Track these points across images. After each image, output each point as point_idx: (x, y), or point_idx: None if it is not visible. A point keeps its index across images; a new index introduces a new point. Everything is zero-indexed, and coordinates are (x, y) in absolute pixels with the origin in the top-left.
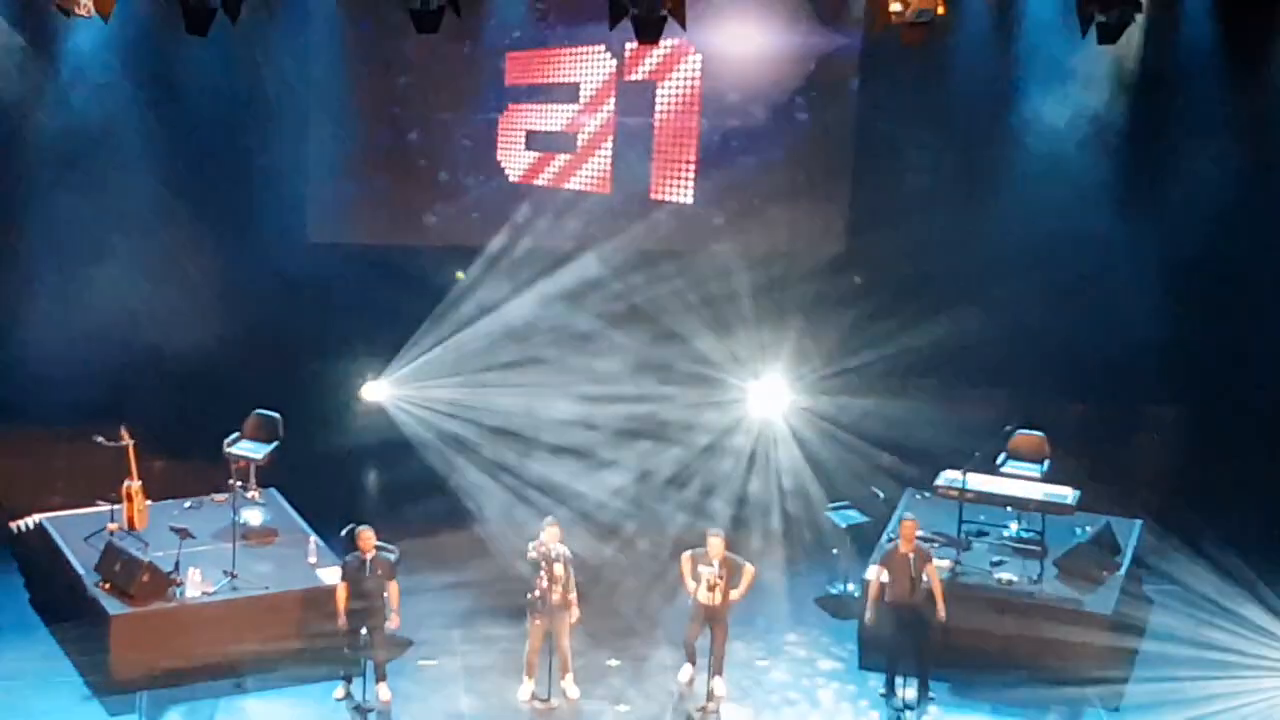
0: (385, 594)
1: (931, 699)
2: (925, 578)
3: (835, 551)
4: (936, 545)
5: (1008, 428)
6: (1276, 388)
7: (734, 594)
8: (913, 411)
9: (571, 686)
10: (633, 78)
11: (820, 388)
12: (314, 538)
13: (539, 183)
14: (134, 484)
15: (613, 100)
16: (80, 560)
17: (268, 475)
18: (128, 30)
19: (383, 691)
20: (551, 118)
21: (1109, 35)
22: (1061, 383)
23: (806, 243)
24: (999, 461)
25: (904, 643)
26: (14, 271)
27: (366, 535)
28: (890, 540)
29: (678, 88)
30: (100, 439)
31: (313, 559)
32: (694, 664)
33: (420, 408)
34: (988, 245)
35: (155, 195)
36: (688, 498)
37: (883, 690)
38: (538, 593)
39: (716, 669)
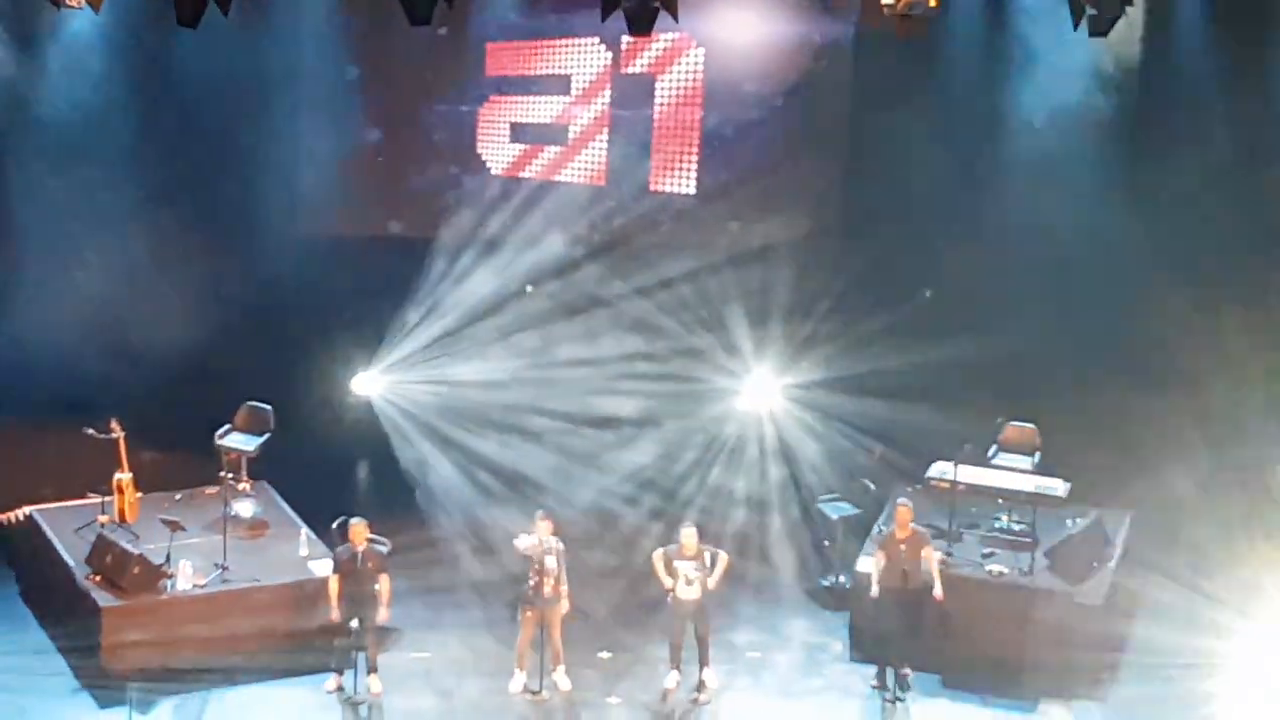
0: (377, 586)
1: (909, 688)
2: (923, 562)
3: (826, 544)
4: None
5: (999, 419)
6: (1265, 383)
7: (710, 582)
8: (904, 404)
9: (563, 678)
10: (631, 70)
11: (812, 380)
12: (305, 530)
13: (526, 175)
14: (124, 476)
15: (608, 92)
16: (71, 553)
17: (259, 467)
18: (118, 21)
19: (374, 683)
20: (539, 110)
21: (1100, 28)
22: (1053, 374)
23: (802, 234)
24: (990, 453)
25: (897, 630)
26: (3, 263)
27: (358, 528)
28: (883, 528)
29: (679, 81)
30: (90, 431)
31: (304, 551)
32: (679, 669)
33: (409, 399)
34: (982, 237)
35: (144, 187)
36: (678, 489)
37: (874, 681)
38: (530, 585)
39: (705, 660)
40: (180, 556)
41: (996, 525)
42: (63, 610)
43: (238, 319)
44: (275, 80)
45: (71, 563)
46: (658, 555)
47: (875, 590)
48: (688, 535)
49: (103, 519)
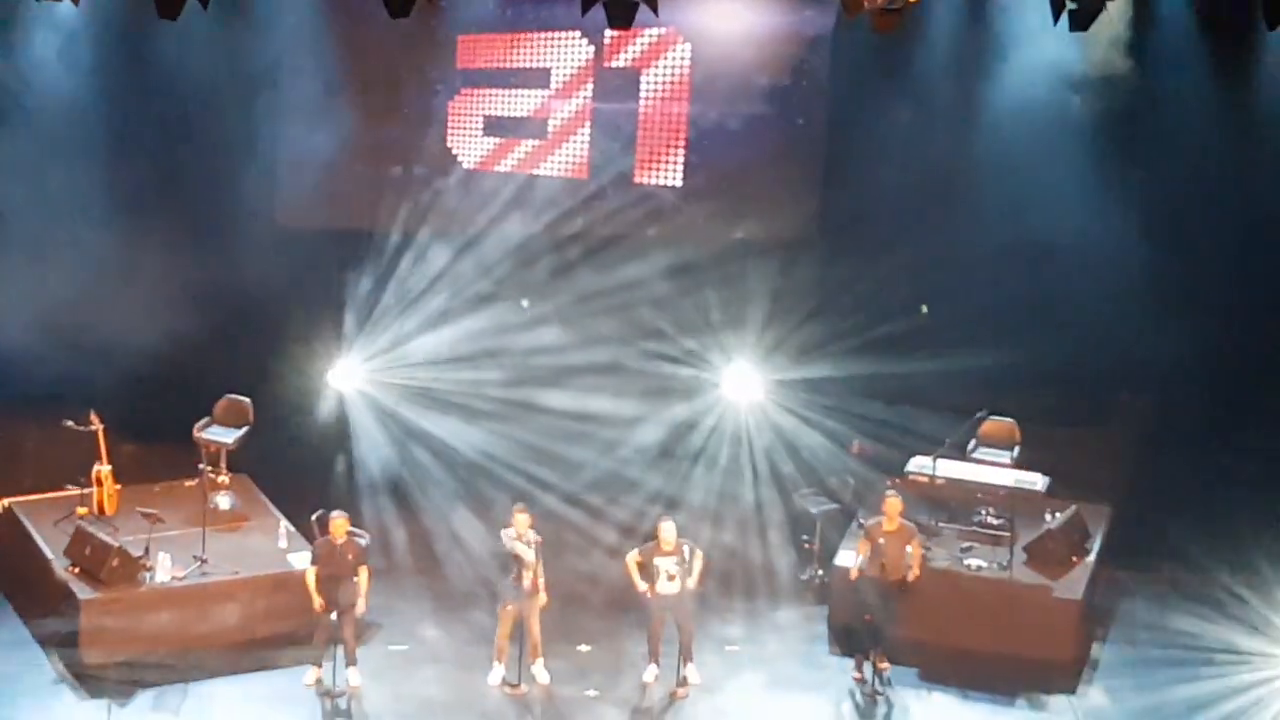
0: (356, 579)
1: (888, 682)
2: (907, 556)
3: (805, 539)
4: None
5: (978, 414)
6: (1244, 378)
7: (689, 582)
8: (883, 398)
9: (542, 671)
10: (614, 64)
11: (793, 373)
12: (284, 522)
13: (501, 169)
14: (104, 468)
15: (590, 86)
16: (50, 545)
17: (238, 460)
18: (97, 13)
19: (353, 676)
20: (516, 103)
21: (1080, 22)
22: (1032, 369)
23: (784, 229)
24: (969, 448)
25: (873, 621)
26: None
27: (338, 520)
28: (869, 520)
29: (665, 75)
30: (69, 423)
31: (283, 544)
32: (659, 664)
33: (386, 391)
34: (961, 232)
35: (121, 179)
36: (659, 483)
37: (855, 674)
38: (508, 578)
39: (686, 656)
40: (159, 549)
41: (975, 520)
42: (41, 602)
43: (216, 311)
44: (253, 73)
45: (50, 555)
46: (631, 556)
47: (854, 575)
48: (666, 530)
49: (82, 511)
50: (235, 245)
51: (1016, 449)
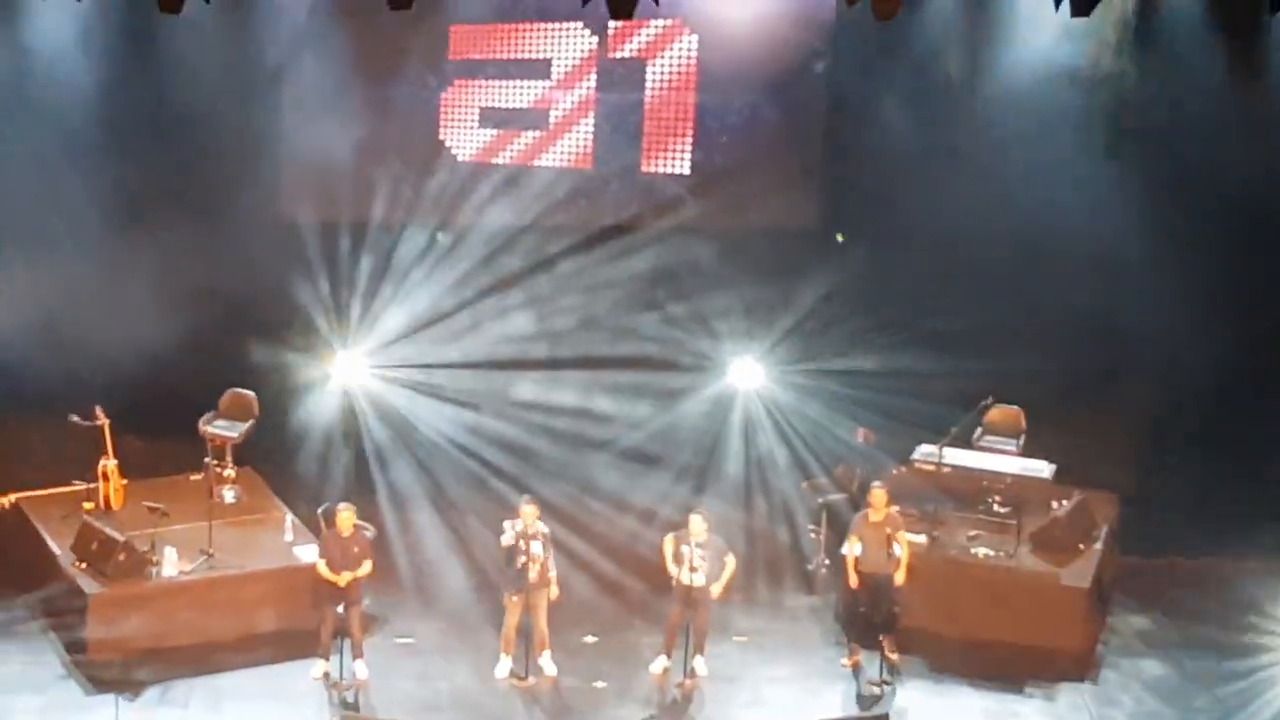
0: (362, 572)
1: (898, 673)
2: (895, 547)
3: (812, 528)
4: (913, 516)
5: (984, 402)
6: (1252, 366)
7: (714, 589)
8: (888, 386)
9: (549, 663)
10: (620, 55)
11: (798, 362)
12: (290, 516)
13: (499, 161)
14: (110, 463)
15: (594, 77)
16: (57, 540)
17: (244, 453)
18: (100, 7)
19: (360, 669)
20: (514, 94)
21: (1081, 8)
22: (1038, 356)
23: (790, 217)
24: (975, 435)
25: (876, 614)
26: None
27: (344, 513)
28: (861, 511)
29: (671, 66)
30: (75, 418)
31: (289, 537)
32: (670, 655)
33: (390, 383)
34: (963, 216)
35: (125, 175)
36: (665, 473)
37: (844, 661)
38: (515, 570)
39: (698, 648)
40: (166, 543)
41: (981, 508)
42: (49, 597)
43: (220, 305)
44: (256, 67)
45: (57, 550)
46: (670, 539)
47: (853, 578)
48: (696, 523)
49: (88, 506)
50: (238, 239)
51: (1023, 436)
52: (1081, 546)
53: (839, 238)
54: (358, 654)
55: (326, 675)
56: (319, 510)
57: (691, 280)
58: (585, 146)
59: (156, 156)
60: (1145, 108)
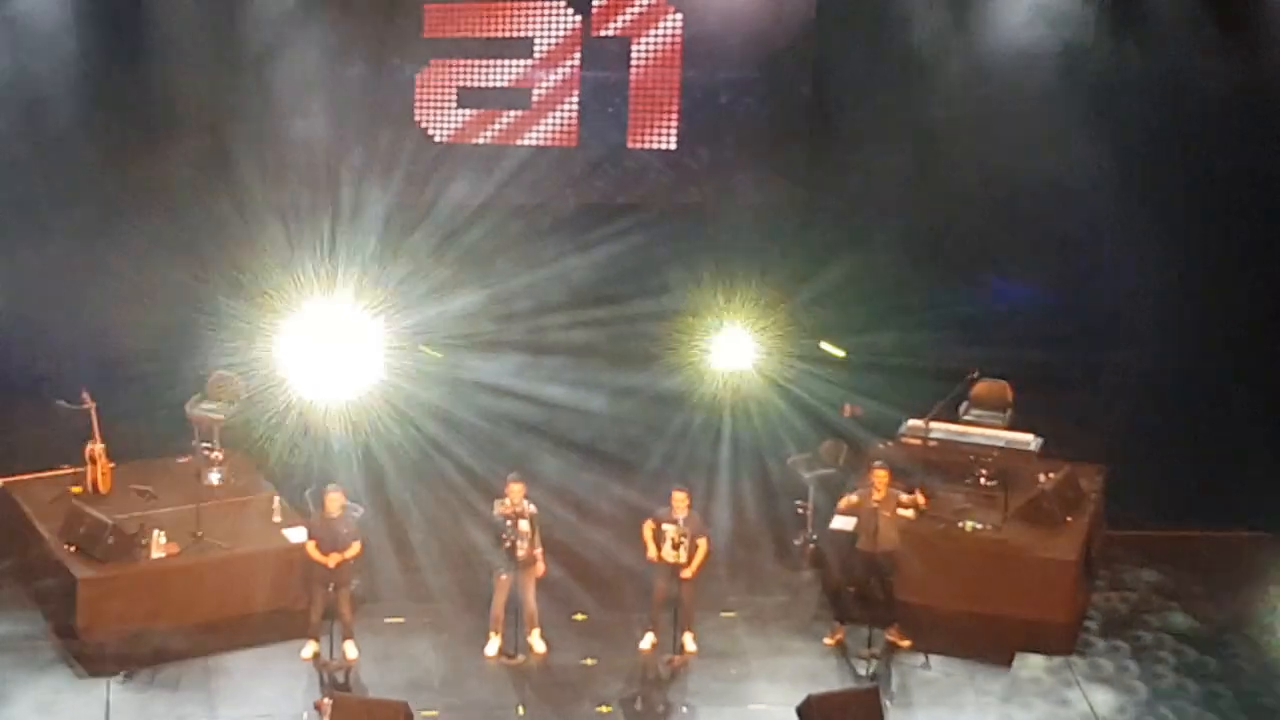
0: (351, 552)
1: (893, 649)
2: (891, 524)
3: (799, 504)
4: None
5: (971, 375)
6: (1238, 335)
7: (685, 573)
8: (876, 362)
9: (538, 641)
10: (604, 33)
11: (785, 338)
12: (279, 497)
13: (480, 141)
14: (97, 446)
15: (578, 55)
16: (45, 524)
17: (230, 435)
18: None
19: (350, 650)
20: (494, 73)
21: None
22: (1023, 330)
23: (776, 196)
24: (962, 409)
25: (873, 596)
26: None
27: (333, 494)
28: (857, 488)
29: (656, 44)
30: (62, 402)
31: (278, 518)
32: (657, 631)
33: (380, 364)
34: (945, 192)
35: (109, 155)
36: (652, 451)
37: (827, 639)
38: (504, 549)
39: (685, 625)
40: (154, 525)
41: (968, 481)
42: (38, 581)
43: (206, 287)
44: (248, 47)
45: (46, 534)
46: (648, 524)
47: (853, 553)
48: (678, 499)
49: (76, 489)
50: (224, 220)
51: (1009, 410)
52: (1069, 519)
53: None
54: (347, 634)
55: (317, 656)
56: (307, 492)
57: (677, 257)
58: (570, 125)
59: (140, 139)
60: (1124, 82)
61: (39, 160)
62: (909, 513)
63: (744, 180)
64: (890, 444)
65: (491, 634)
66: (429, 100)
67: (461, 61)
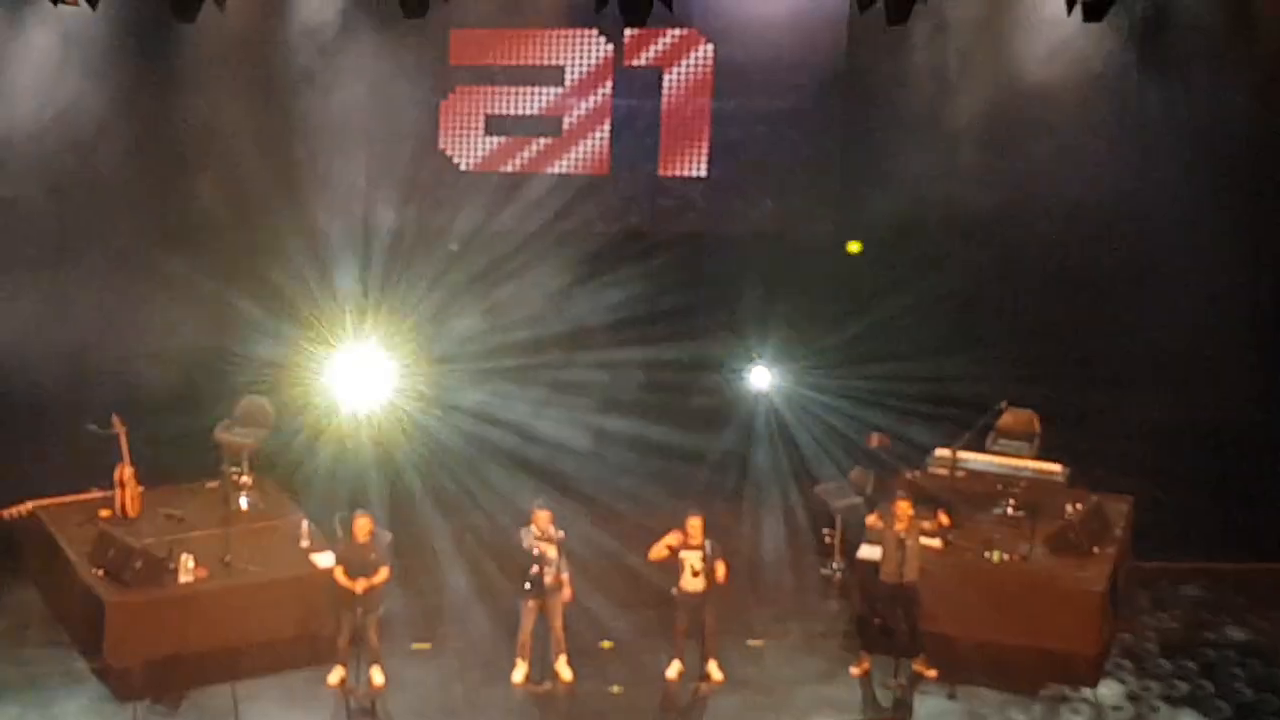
0: (379, 578)
1: (919, 680)
2: (913, 553)
3: (827, 532)
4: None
5: (998, 405)
6: (1268, 366)
7: (719, 575)
8: (901, 390)
9: (565, 668)
10: (636, 63)
11: (814, 367)
12: (307, 522)
13: (507, 169)
14: (126, 470)
15: (610, 84)
16: (74, 548)
17: (260, 460)
18: (115, 16)
19: (376, 675)
20: (524, 101)
21: (1094, 14)
22: (1052, 358)
23: (808, 221)
24: (989, 439)
25: (898, 629)
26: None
27: (361, 519)
28: (881, 520)
29: (687, 73)
30: (93, 427)
31: (306, 543)
32: (683, 659)
33: (404, 390)
34: (980, 221)
35: (138, 185)
36: (682, 476)
37: (853, 669)
38: (531, 575)
39: (709, 652)
40: (183, 550)
41: (996, 511)
42: (67, 605)
43: (239, 312)
44: (271, 75)
45: (75, 558)
46: (665, 540)
47: (876, 584)
48: (694, 525)
49: (105, 513)
50: (253, 250)
51: (1036, 439)
52: (1096, 549)
53: (854, 248)
54: (374, 660)
55: (343, 681)
56: (335, 517)
57: (707, 285)
58: (601, 153)
59: (171, 167)
60: (1167, 86)
61: (73, 189)
62: (935, 542)
63: (775, 208)
64: (918, 473)
65: (518, 660)
66: (455, 127)
67: (490, 88)
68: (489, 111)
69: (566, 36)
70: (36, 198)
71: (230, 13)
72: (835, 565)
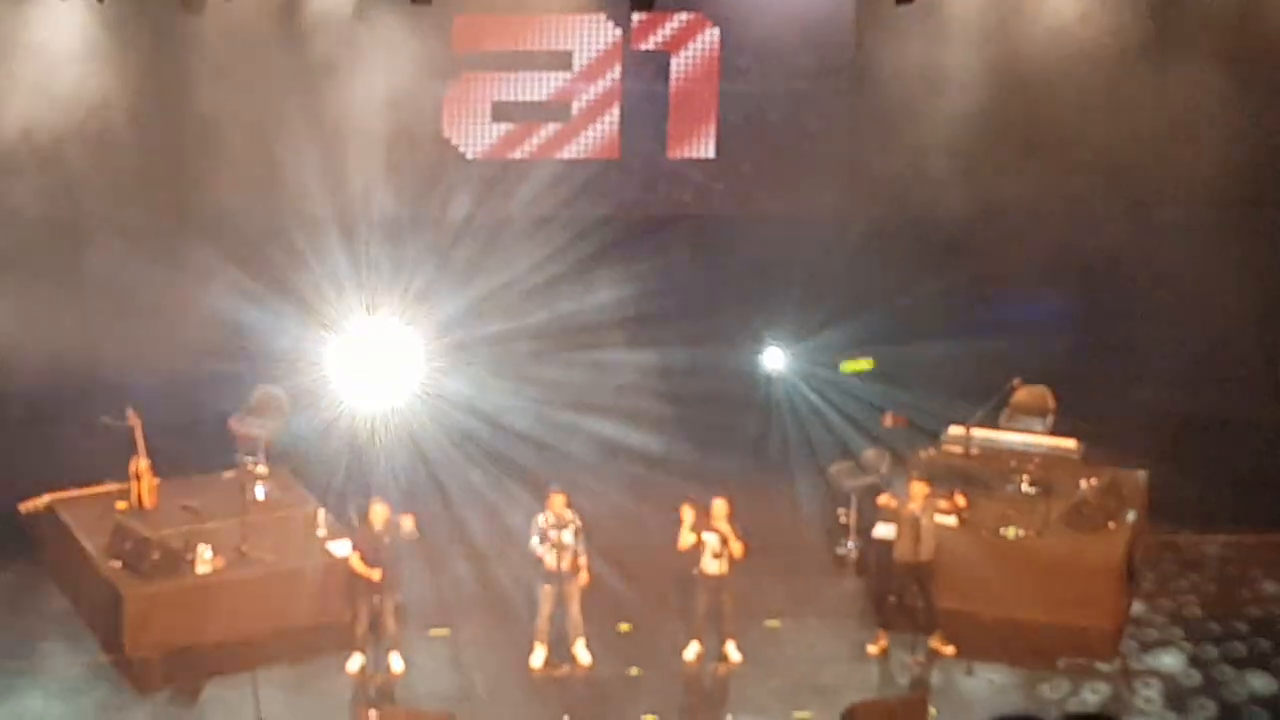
0: (396, 565)
1: (946, 652)
2: (928, 531)
3: (842, 512)
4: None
5: (1012, 382)
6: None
7: (734, 549)
8: (916, 367)
9: (583, 652)
10: (644, 47)
11: (827, 347)
12: (323, 511)
13: (517, 156)
14: (142, 462)
15: (618, 68)
16: (91, 540)
17: (275, 450)
18: (123, 10)
19: (395, 662)
20: (531, 87)
21: None
22: (1066, 334)
23: (816, 202)
24: (1004, 416)
25: (913, 605)
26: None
27: (378, 507)
28: (896, 499)
29: (694, 58)
30: (107, 420)
31: (323, 532)
32: (702, 641)
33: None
34: (984, 201)
35: (148, 175)
36: (698, 458)
37: (870, 648)
38: (548, 559)
39: (727, 633)
40: (200, 541)
41: (1011, 488)
42: (85, 597)
43: (251, 301)
44: (279, 67)
45: (92, 550)
46: (689, 519)
47: (892, 562)
48: (718, 507)
49: (121, 505)
50: (266, 240)
51: (1050, 416)
52: (1111, 525)
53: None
54: (393, 647)
55: (362, 669)
56: (351, 505)
57: (717, 266)
58: (610, 137)
59: (177, 158)
60: (1179, 68)
61: (83, 179)
62: (951, 519)
63: (783, 191)
64: (932, 451)
65: (536, 644)
66: (460, 115)
67: (496, 74)
68: (495, 98)
69: (574, 21)
70: (47, 188)
71: (236, 4)
72: (851, 545)
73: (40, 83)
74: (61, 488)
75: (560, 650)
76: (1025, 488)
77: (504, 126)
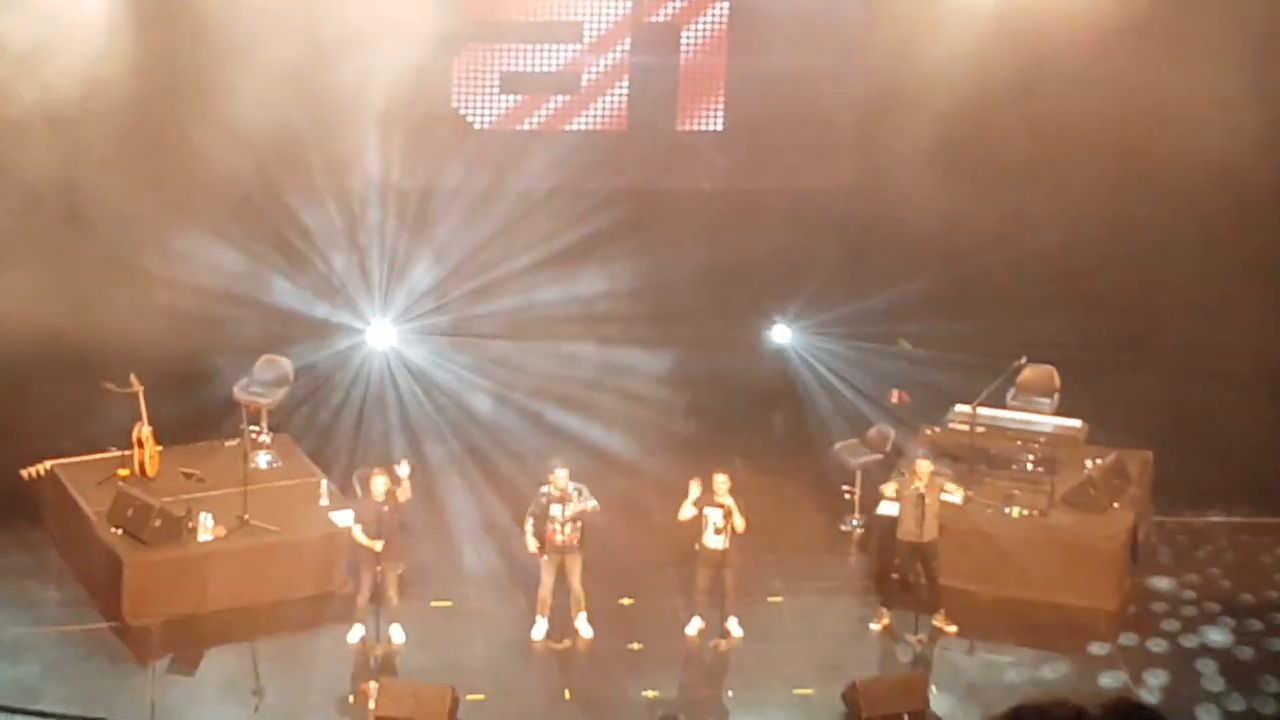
0: (398, 536)
1: (949, 630)
2: (933, 509)
3: (846, 489)
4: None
5: (1018, 361)
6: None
7: (736, 525)
8: (921, 346)
9: (585, 626)
10: (655, 19)
11: (831, 323)
12: (326, 481)
13: (526, 127)
14: (145, 429)
15: (628, 40)
16: (92, 507)
17: (278, 419)
18: None
19: (396, 633)
20: (540, 58)
21: None
22: (1070, 313)
23: (824, 176)
24: (1009, 395)
25: (916, 584)
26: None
27: (379, 478)
28: (900, 478)
29: (705, 30)
30: (110, 386)
31: (325, 502)
32: (703, 617)
33: (424, 349)
34: (991, 179)
35: (157, 141)
36: (700, 436)
37: (873, 625)
38: (551, 532)
39: (729, 609)
40: (201, 509)
41: (1015, 467)
42: (85, 564)
43: (252, 270)
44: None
45: (93, 517)
46: (694, 495)
47: (896, 540)
48: (719, 483)
49: (123, 472)
50: (273, 210)
51: (1056, 395)
52: (1115, 505)
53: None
54: (394, 618)
55: (363, 639)
56: (354, 475)
57: (725, 240)
58: (620, 109)
59: (181, 127)
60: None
61: (94, 147)
62: (956, 497)
63: (790, 166)
64: (937, 430)
65: (538, 618)
66: (468, 85)
67: (505, 45)
68: (504, 69)
69: None
70: (55, 157)
71: None
72: (855, 521)
73: (50, 52)
74: (63, 454)
75: (562, 624)
76: (1030, 467)
77: (512, 98)
